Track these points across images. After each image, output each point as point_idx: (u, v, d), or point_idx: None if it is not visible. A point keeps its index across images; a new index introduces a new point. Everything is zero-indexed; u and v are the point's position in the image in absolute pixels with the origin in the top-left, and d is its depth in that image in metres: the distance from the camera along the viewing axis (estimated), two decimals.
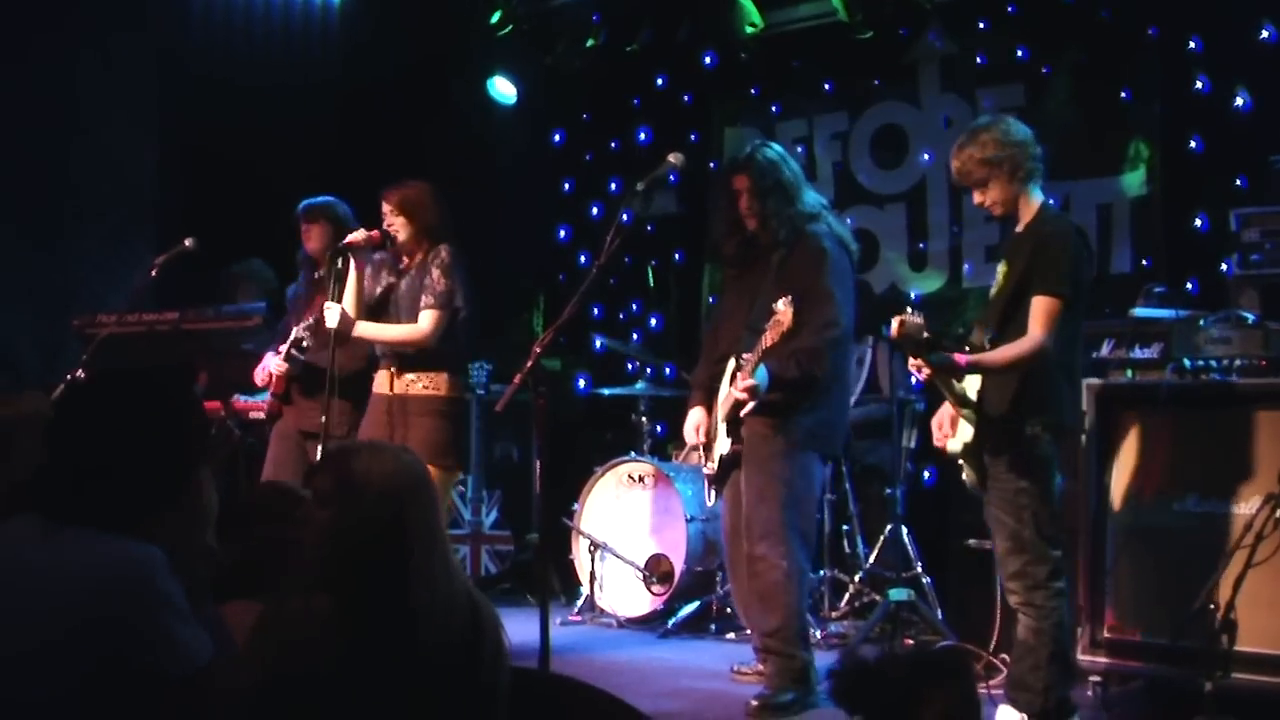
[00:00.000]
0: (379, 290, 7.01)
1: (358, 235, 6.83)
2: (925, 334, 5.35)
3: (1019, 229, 5.75)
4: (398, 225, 6.88)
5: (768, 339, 5.93)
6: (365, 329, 6.83)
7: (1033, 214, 5.68)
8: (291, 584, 3.29)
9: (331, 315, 6.66)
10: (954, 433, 5.77)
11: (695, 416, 6.69)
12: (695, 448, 6.91)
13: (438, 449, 6.62)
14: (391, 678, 3.11)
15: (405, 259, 6.98)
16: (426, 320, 6.76)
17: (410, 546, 3.19)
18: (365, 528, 3.19)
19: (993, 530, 5.66)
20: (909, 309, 5.40)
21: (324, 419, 6.51)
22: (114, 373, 3.62)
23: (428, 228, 6.91)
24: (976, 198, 5.76)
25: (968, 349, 5.61)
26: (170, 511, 3.25)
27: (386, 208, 6.90)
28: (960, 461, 5.79)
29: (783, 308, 5.84)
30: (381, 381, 6.89)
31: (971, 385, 5.64)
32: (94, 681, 2.95)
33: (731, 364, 6.41)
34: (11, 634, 2.99)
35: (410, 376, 6.80)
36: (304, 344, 6.97)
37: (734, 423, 6.40)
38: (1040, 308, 5.46)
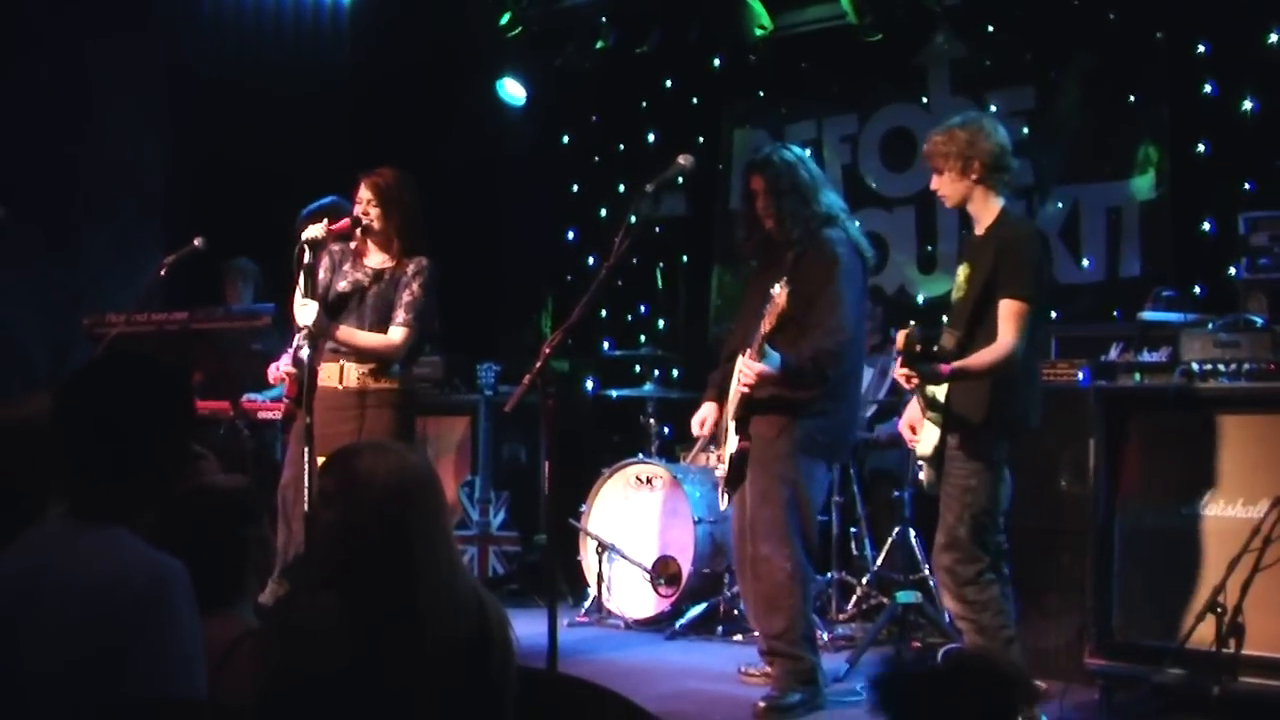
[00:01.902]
0: (343, 285, 6.70)
1: (318, 229, 6.52)
2: (919, 345, 5.44)
3: (979, 232, 5.84)
4: (373, 215, 6.61)
5: (766, 324, 5.97)
6: (341, 333, 6.55)
7: (993, 217, 5.77)
8: (298, 584, 3.32)
9: (306, 313, 6.39)
10: (919, 436, 5.87)
11: (704, 410, 6.70)
12: (703, 442, 6.92)
13: (394, 439, 6.20)
14: (399, 676, 3.12)
15: (379, 253, 6.70)
16: (399, 335, 6.53)
17: (415, 545, 3.20)
18: (369, 527, 3.20)
19: (939, 521, 5.78)
20: (910, 322, 5.50)
21: (308, 420, 6.39)
22: (96, 362, 3.64)
23: (402, 224, 6.63)
24: (933, 183, 5.89)
25: (937, 351, 5.66)
26: (176, 483, 3.28)
27: (365, 194, 6.64)
28: (923, 463, 5.87)
29: (778, 290, 5.88)
30: (330, 374, 6.64)
31: (940, 389, 5.72)
32: (85, 695, 2.96)
33: (740, 361, 6.41)
34: (30, 641, 3.01)
35: (363, 369, 6.57)
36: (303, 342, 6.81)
37: (743, 421, 6.40)
38: (1009, 312, 5.56)
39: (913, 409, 5.93)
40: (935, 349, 5.53)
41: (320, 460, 6.58)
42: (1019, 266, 5.60)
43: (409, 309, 6.55)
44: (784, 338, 6.10)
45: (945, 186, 5.82)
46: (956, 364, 5.56)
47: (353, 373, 6.60)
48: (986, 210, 5.79)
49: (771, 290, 5.94)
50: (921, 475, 5.92)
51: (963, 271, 5.87)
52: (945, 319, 5.89)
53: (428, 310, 6.62)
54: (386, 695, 3.11)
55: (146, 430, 3.20)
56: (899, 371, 5.60)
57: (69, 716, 2.95)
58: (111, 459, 3.16)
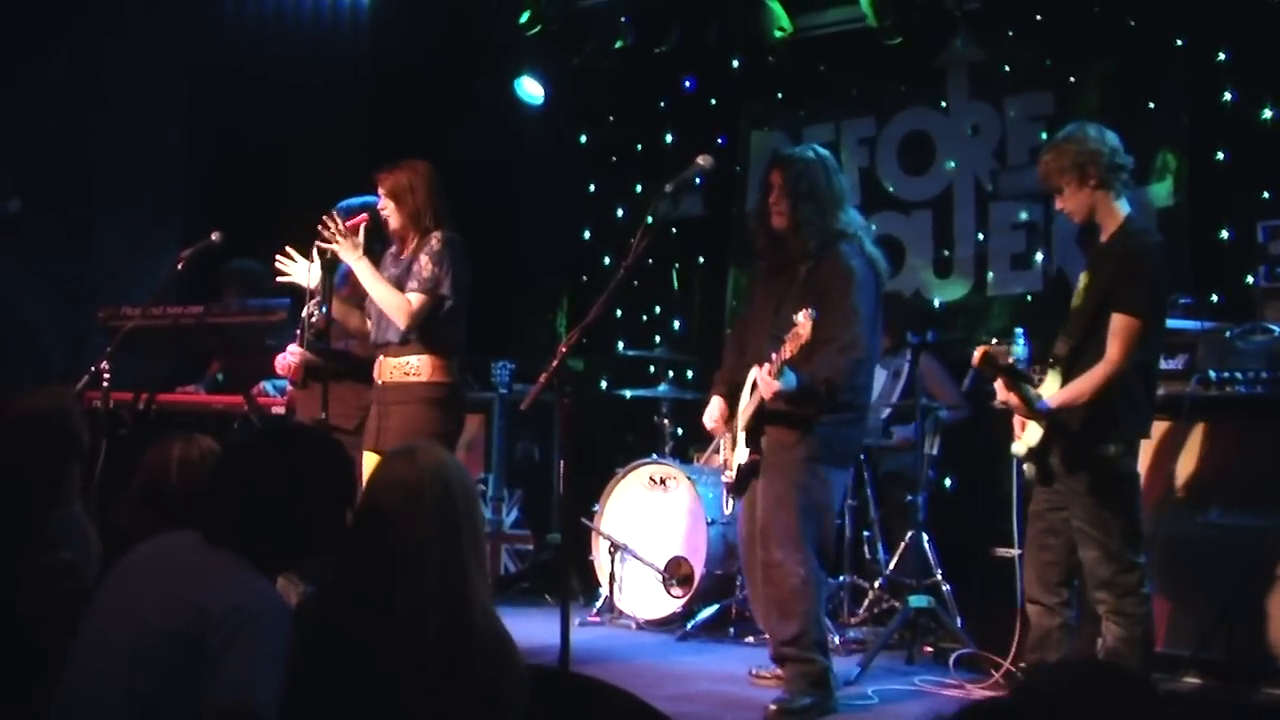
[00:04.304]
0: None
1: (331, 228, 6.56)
2: (1007, 361, 5.56)
3: (1103, 239, 5.75)
4: (389, 210, 6.66)
5: (786, 350, 5.95)
6: (361, 270, 6.55)
7: (1116, 226, 5.69)
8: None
9: (347, 249, 6.45)
10: (1021, 435, 5.82)
11: (715, 406, 6.69)
12: (717, 442, 6.92)
13: (415, 438, 6.12)
14: (353, 674, 3.18)
15: (402, 247, 6.74)
16: (414, 300, 6.51)
17: (402, 551, 3.27)
18: (365, 527, 3.31)
19: (1078, 541, 5.66)
20: (993, 339, 5.50)
21: (323, 412, 6.39)
22: (294, 428, 3.74)
23: (417, 213, 6.65)
24: (1058, 203, 5.81)
25: (1051, 360, 5.72)
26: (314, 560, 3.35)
27: (380, 191, 6.71)
28: (1024, 461, 5.83)
29: (802, 319, 5.86)
30: (375, 369, 6.69)
31: (1045, 390, 5.68)
32: (164, 689, 3.00)
33: (752, 373, 6.38)
34: (138, 619, 3.05)
35: (394, 363, 6.58)
36: (313, 326, 6.78)
37: (753, 432, 6.39)
38: (1120, 327, 5.49)
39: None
40: (1014, 362, 5.64)
41: (365, 454, 6.68)
42: (1135, 281, 5.54)
43: (415, 278, 6.54)
44: (802, 351, 6.08)
45: (1069, 203, 5.73)
46: (1060, 399, 5.56)
47: (388, 367, 6.62)
48: (1110, 217, 5.70)
49: (795, 317, 5.92)
50: (1026, 470, 5.88)
51: (1084, 279, 5.81)
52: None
53: (441, 279, 6.55)
54: (340, 692, 3.15)
55: (308, 511, 3.27)
56: (1000, 397, 5.68)
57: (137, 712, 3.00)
58: (267, 525, 3.26)
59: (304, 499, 3.29)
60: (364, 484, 3.44)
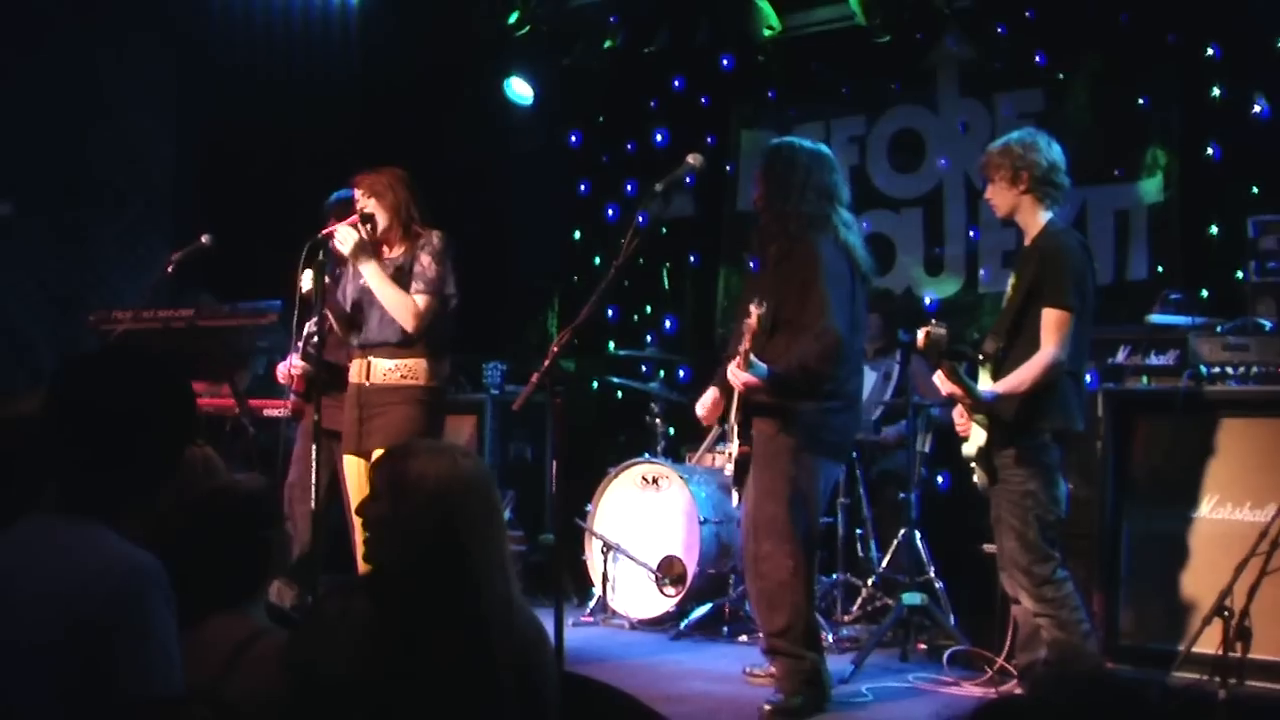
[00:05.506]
0: (364, 282, 6.64)
1: (334, 228, 6.55)
2: (948, 344, 5.67)
3: (1026, 243, 5.99)
4: (372, 208, 6.61)
5: (745, 341, 5.98)
6: (370, 272, 6.50)
7: (1038, 230, 5.91)
8: (333, 587, 3.30)
9: (347, 237, 6.42)
10: (970, 436, 5.86)
11: (706, 395, 6.67)
12: (709, 441, 6.91)
13: (402, 439, 6.03)
14: (445, 684, 3.09)
15: (385, 247, 6.68)
16: (421, 302, 6.49)
17: (468, 553, 3.19)
18: (420, 526, 3.22)
19: (1000, 531, 5.84)
20: (932, 320, 5.60)
21: (316, 417, 6.34)
22: (92, 354, 3.63)
23: (401, 208, 6.62)
24: (986, 192, 6.12)
25: (981, 357, 5.91)
26: (169, 481, 3.25)
27: (358, 193, 6.65)
28: (973, 464, 5.87)
29: (753, 309, 5.92)
30: (357, 371, 6.65)
31: (986, 386, 5.80)
32: (62, 694, 2.93)
33: (729, 369, 6.36)
34: (5, 641, 2.97)
35: (388, 365, 6.55)
36: (314, 340, 6.77)
37: (743, 425, 6.38)
38: (1051, 321, 5.69)
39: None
40: (959, 348, 5.79)
41: (346, 458, 6.68)
42: (1060, 276, 5.73)
43: (420, 279, 6.52)
44: (780, 341, 6.12)
45: (995, 195, 6.03)
46: (1000, 389, 5.74)
47: (379, 369, 6.58)
48: (1033, 222, 5.94)
49: (749, 308, 5.97)
50: (975, 478, 6.00)
51: (1011, 280, 6.02)
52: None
53: (446, 279, 6.57)
54: (424, 703, 3.08)
55: (138, 423, 3.17)
56: (944, 389, 5.81)
57: (47, 716, 2.93)
58: (102, 451, 3.14)
59: (134, 417, 3.17)
60: (401, 481, 3.33)
